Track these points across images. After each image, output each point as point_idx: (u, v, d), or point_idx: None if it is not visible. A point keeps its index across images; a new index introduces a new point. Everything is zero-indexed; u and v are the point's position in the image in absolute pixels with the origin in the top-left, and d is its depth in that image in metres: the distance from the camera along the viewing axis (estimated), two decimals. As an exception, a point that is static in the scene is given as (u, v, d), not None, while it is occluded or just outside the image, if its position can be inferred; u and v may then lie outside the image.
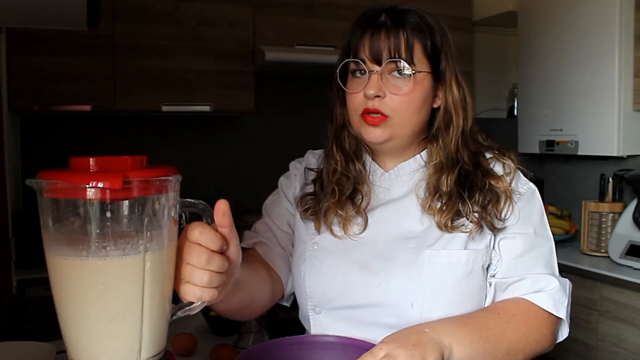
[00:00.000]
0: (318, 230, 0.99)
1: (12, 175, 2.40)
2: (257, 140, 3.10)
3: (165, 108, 2.63)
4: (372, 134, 0.93)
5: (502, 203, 0.93)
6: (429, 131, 0.98)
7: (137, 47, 2.58)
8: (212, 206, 0.67)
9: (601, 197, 2.62)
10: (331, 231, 0.97)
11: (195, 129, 3.01)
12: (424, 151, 0.99)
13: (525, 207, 0.95)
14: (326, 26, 2.87)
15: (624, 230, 2.38)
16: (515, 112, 3.28)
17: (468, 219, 0.91)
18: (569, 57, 2.70)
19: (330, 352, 0.87)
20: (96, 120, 2.83)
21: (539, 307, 0.89)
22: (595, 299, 2.26)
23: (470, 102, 0.97)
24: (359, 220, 0.96)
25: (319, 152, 1.09)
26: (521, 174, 0.98)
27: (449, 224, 0.91)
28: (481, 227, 0.91)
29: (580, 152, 2.66)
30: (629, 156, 2.60)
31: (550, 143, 2.77)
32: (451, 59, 0.95)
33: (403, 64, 0.89)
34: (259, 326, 1.31)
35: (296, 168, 1.11)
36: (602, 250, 2.48)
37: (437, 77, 0.94)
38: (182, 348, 1.30)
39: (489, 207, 0.92)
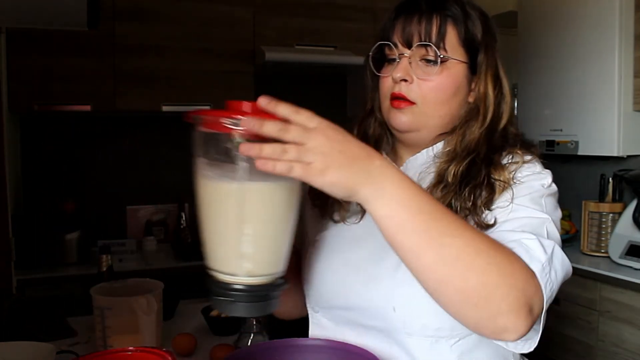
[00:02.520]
0: (322, 217, 0.97)
1: (12, 175, 2.40)
2: (257, 140, 3.10)
3: (165, 108, 2.63)
4: (398, 119, 0.90)
5: (496, 195, 0.84)
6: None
7: (137, 47, 2.58)
8: None
9: (601, 197, 2.61)
10: (331, 217, 0.95)
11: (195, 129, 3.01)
12: (438, 143, 0.94)
13: (521, 186, 0.85)
14: (326, 26, 2.88)
15: (624, 230, 2.38)
16: (516, 112, 3.28)
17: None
18: (569, 58, 2.70)
19: (319, 356, 0.86)
20: (96, 120, 2.83)
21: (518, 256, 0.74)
22: (595, 299, 2.26)
23: (508, 101, 0.91)
24: (358, 209, 0.92)
25: None
26: (536, 164, 0.89)
27: None
28: None
29: (580, 152, 2.66)
30: (629, 156, 2.60)
31: (550, 143, 2.77)
32: (491, 52, 0.90)
33: (432, 48, 0.86)
34: (259, 326, 1.31)
35: None
36: (602, 251, 2.48)
37: (474, 70, 0.90)
38: (182, 348, 1.30)
39: (478, 203, 0.84)
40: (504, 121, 0.91)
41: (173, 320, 1.57)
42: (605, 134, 2.54)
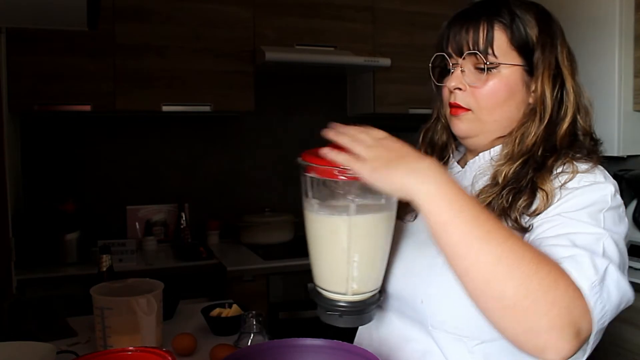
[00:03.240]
0: None
1: (12, 176, 2.40)
2: (257, 140, 3.10)
3: (165, 108, 2.63)
4: (457, 126, 0.94)
5: (537, 202, 0.83)
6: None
7: (137, 47, 2.58)
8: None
9: (601, 197, 2.60)
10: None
11: (195, 129, 3.01)
12: (497, 147, 0.94)
13: (577, 198, 0.82)
14: (326, 26, 2.87)
15: (624, 230, 2.38)
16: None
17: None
18: (569, 57, 2.70)
19: (319, 356, 0.86)
20: (96, 120, 2.83)
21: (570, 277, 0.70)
22: (595, 299, 2.25)
23: (573, 102, 0.90)
24: (412, 208, 0.93)
25: None
26: (598, 172, 0.87)
27: None
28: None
29: (580, 152, 2.66)
30: (629, 156, 2.60)
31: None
32: (550, 50, 0.90)
33: (479, 56, 0.88)
34: (259, 326, 1.31)
35: None
36: (602, 250, 2.47)
37: (532, 71, 0.90)
38: (182, 348, 1.30)
39: (514, 206, 0.83)
40: (566, 122, 0.89)
41: (173, 320, 1.57)
42: (605, 134, 2.53)
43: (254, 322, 1.30)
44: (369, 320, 0.84)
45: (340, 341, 0.87)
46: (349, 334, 1.03)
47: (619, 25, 2.46)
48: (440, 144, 1.02)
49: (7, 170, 2.11)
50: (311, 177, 0.78)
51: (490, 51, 0.88)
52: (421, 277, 0.89)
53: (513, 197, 0.85)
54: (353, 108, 3.24)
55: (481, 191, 0.89)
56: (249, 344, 1.28)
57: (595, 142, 0.92)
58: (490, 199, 0.87)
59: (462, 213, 0.70)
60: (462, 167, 1.00)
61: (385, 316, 0.98)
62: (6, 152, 2.14)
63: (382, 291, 0.86)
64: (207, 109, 2.71)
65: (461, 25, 0.90)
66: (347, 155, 0.75)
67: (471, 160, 0.98)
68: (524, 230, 0.83)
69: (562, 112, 0.90)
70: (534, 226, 0.82)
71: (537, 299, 0.66)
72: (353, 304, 0.81)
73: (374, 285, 0.84)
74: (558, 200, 0.82)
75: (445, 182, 0.71)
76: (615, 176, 2.64)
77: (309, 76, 3.16)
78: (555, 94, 0.89)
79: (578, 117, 0.91)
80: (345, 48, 2.87)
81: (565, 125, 0.89)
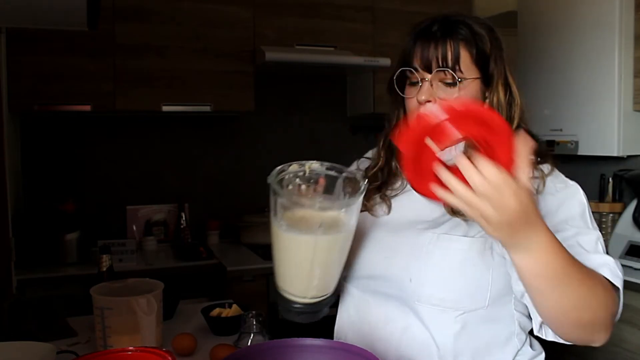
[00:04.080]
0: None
1: (12, 175, 2.40)
2: (257, 140, 3.10)
3: (165, 108, 2.63)
4: None
5: None
6: None
7: (137, 47, 2.58)
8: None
9: (601, 197, 2.61)
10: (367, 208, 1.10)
11: (195, 129, 3.01)
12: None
13: (564, 205, 0.96)
14: (326, 26, 2.87)
15: (624, 231, 2.38)
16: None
17: None
18: (569, 57, 2.70)
19: (319, 356, 0.86)
20: (96, 120, 2.83)
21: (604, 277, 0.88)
22: (595, 299, 2.25)
23: (518, 103, 1.02)
24: (384, 205, 1.09)
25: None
26: (559, 174, 1.01)
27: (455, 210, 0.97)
28: None
29: (580, 152, 2.66)
30: (629, 156, 2.60)
31: (550, 143, 2.77)
32: (500, 61, 1.00)
33: (449, 73, 0.96)
34: (259, 326, 1.31)
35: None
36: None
37: (487, 82, 1.00)
38: (182, 348, 1.30)
39: None
40: (515, 122, 1.01)
41: (173, 320, 1.57)
42: (605, 134, 2.54)
43: (254, 322, 1.30)
44: (324, 315, 0.96)
45: (341, 341, 0.87)
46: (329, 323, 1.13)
47: (619, 25, 2.46)
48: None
49: (7, 170, 2.11)
50: (281, 201, 0.85)
51: (457, 67, 0.97)
52: (407, 259, 1.00)
53: None
54: (353, 108, 3.24)
55: None
56: (249, 344, 1.28)
57: (536, 139, 0.99)
58: None
59: (555, 268, 0.78)
60: None
61: (362, 298, 1.08)
62: (6, 152, 2.14)
63: (335, 292, 0.95)
64: (207, 109, 2.71)
65: (428, 42, 0.98)
66: (470, 193, 0.73)
67: None
68: None
69: (512, 114, 1.01)
70: None
71: (604, 318, 0.85)
72: (311, 305, 0.92)
73: (330, 290, 0.94)
74: (543, 207, 0.94)
75: (548, 247, 0.77)
76: (615, 176, 2.66)
77: (309, 76, 3.16)
78: (507, 99, 1.01)
79: (524, 118, 1.04)
80: (345, 48, 2.87)
81: (514, 126, 1.00)
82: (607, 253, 0.94)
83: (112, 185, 2.87)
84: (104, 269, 1.47)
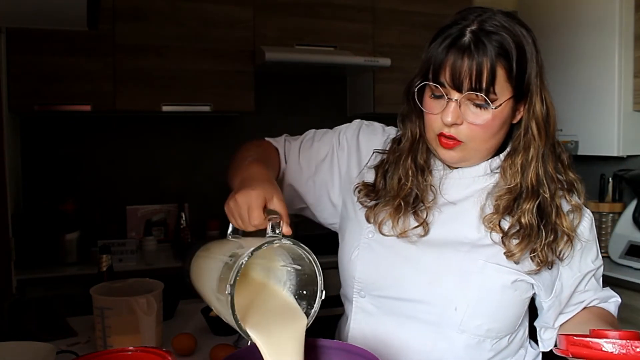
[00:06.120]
0: (368, 220, 1.01)
1: (12, 175, 2.40)
2: (257, 140, 3.10)
3: (165, 108, 2.63)
4: (447, 155, 0.94)
5: (562, 243, 0.93)
6: (506, 143, 0.97)
7: (137, 47, 2.57)
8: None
9: (601, 197, 2.61)
10: (380, 230, 0.99)
11: (195, 129, 3.01)
12: (492, 159, 0.97)
13: (586, 251, 0.99)
14: (326, 26, 2.87)
15: (623, 230, 2.38)
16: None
17: (534, 260, 0.92)
18: (569, 57, 2.70)
19: (319, 356, 0.86)
20: (96, 120, 2.83)
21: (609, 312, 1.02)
22: (595, 299, 2.26)
23: (553, 117, 0.94)
24: (419, 228, 0.97)
25: (391, 129, 1.10)
26: (587, 216, 0.99)
27: (518, 257, 0.92)
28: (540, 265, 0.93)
29: (580, 152, 2.66)
30: (629, 156, 2.60)
31: (550, 143, 2.77)
32: (537, 73, 0.90)
33: (482, 97, 0.85)
34: (259, 326, 1.30)
35: (385, 131, 1.11)
36: (602, 251, 2.47)
37: (520, 97, 0.90)
38: (182, 348, 1.30)
39: (553, 245, 0.93)
40: (550, 140, 0.94)
41: (173, 320, 1.57)
42: (605, 134, 2.54)
43: (254, 322, 1.30)
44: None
45: (340, 341, 0.87)
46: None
47: (619, 25, 2.46)
48: (422, 162, 0.99)
49: (7, 170, 2.11)
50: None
51: (491, 89, 0.86)
52: (451, 287, 0.93)
53: (545, 237, 0.92)
54: (353, 108, 3.24)
55: (495, 218, 0.94)
56: (249, 344, 1.28)
57: (564, 163, 0.98)
58: (531, 244, 0.92)
59: None
60: (450, 169, 1.00)
61: (379, 317, 1.00)
62: (6, 152, 2.14)
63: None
64: (207, 109, 2.71)
65: (460, 57, 0.85)
66: None
67: (466, 168, 0.98)
68: (548, 263, 0.93)
69: (549, 132, 0.93)
70: (562, 273, 0.97)
71: None
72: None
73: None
74: (580, 251, 0.97)
75: None
76: (615, 176, 2.66)
77: (309, 76, 3.16)
78: (543, 114, 0.92)
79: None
80: (345, 48, 2.87)
81: (550, 144, 0.94)
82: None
83: (112, 185, 2.87)
84: (104, 269, 1.47)
